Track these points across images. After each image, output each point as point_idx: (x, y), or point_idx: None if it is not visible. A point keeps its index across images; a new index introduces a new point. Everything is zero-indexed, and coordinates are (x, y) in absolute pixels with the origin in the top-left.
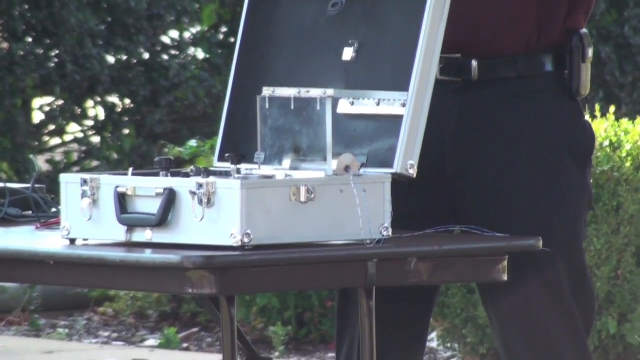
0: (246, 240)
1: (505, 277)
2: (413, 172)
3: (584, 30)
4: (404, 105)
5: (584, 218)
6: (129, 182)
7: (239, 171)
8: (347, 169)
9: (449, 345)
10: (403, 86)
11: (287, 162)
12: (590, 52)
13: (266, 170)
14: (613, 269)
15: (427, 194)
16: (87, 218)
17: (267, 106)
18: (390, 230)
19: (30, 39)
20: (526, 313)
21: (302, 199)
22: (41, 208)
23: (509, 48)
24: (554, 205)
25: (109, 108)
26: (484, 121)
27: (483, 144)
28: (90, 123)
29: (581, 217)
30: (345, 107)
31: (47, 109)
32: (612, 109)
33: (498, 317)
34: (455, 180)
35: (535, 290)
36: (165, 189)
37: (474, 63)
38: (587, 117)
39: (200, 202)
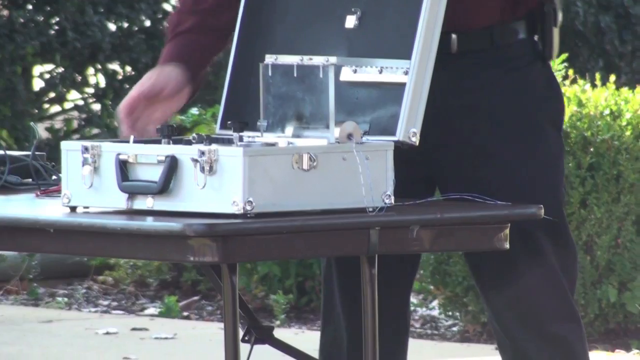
0: (248, 207)
1: (507, 245)
2: (415, 140)
3: None
4: (406, 73)
5: (563, 180)
6: (131, 149)
7: (241, 139)
8: (349, 136)
9: (450, 313)
10: (405, 54)
11: (289, 129)
12: (560, 16)
13: (268, 137)
14: (613, 237)
15: (406, 165)
16: (87, 186)
17: (270, 74)
18: (392, 198)
19: (30, 6)
20: (511, 278)
21: (305, 166)
22: (41, 176)
23: (485, 20)
24: (536, 171)
25: (110, 75)
26: (462, 92)
27: (463, 114)
28: (90, 90)
29: (561, 180)
30: (347, 74)
31: (47, 76)
32: (612, 78)
33: (484, 285)
34: (436, 151)
35: (519, 255)
36: (167, 156)
37: (453, 36)
38: (586, 84)
39: (202, 169)
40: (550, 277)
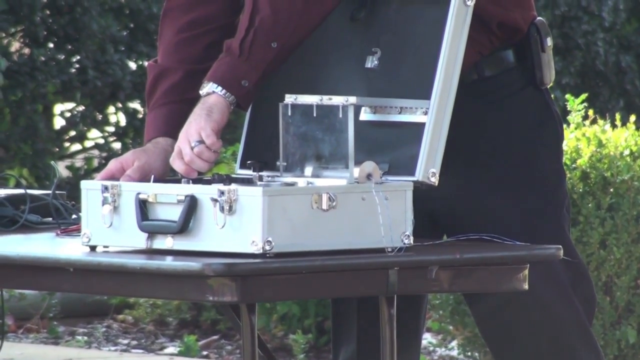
0: (267, 247)
1: (526, 286)
2: (435, 180)
3: (540, 19)
4: (425, 113)
5: (566, 205)
6: (150, 188)
7: (260, 178)
8: (369, 176)
9: (469, 354)
10: (425, 94)
11: (309, 169)
12: (549, 41)
13: (288, 177)
14: (633, 278)
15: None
16: (107, 225)
17: (289, 113)
18: (411, 238)
19: (51, 45)
20: (535, 311)
21: (324, 206)
22: (61, 214)
23: (474, 58)
24: (538, 202)
25: (130, 114)
26: (456, 126)
27: (458, 148)
28: (111, 129)
29: (563, 206)
30: (367, 114)
31: (68, 114)
32: (633, 118)
33: (496, 318)
34: (435, 189)
35: (539, 286)
36: (186, 196)
37: None
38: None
39: (222, 209)
40: (571, 306)
